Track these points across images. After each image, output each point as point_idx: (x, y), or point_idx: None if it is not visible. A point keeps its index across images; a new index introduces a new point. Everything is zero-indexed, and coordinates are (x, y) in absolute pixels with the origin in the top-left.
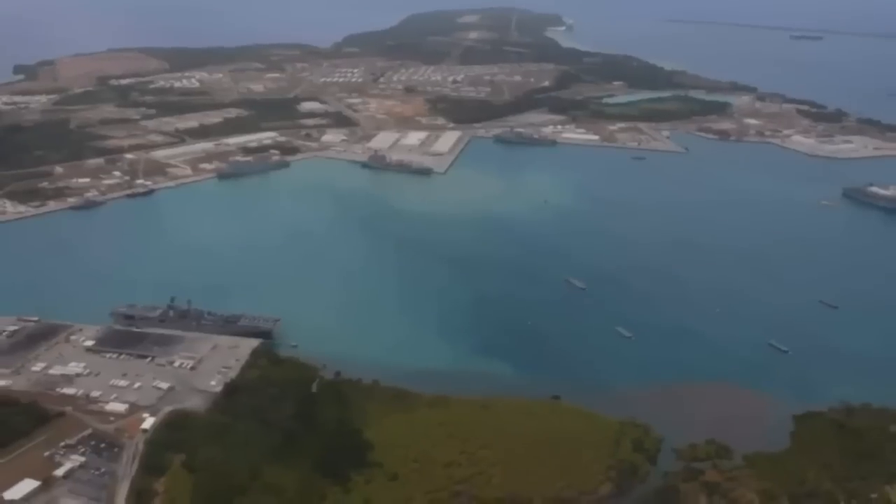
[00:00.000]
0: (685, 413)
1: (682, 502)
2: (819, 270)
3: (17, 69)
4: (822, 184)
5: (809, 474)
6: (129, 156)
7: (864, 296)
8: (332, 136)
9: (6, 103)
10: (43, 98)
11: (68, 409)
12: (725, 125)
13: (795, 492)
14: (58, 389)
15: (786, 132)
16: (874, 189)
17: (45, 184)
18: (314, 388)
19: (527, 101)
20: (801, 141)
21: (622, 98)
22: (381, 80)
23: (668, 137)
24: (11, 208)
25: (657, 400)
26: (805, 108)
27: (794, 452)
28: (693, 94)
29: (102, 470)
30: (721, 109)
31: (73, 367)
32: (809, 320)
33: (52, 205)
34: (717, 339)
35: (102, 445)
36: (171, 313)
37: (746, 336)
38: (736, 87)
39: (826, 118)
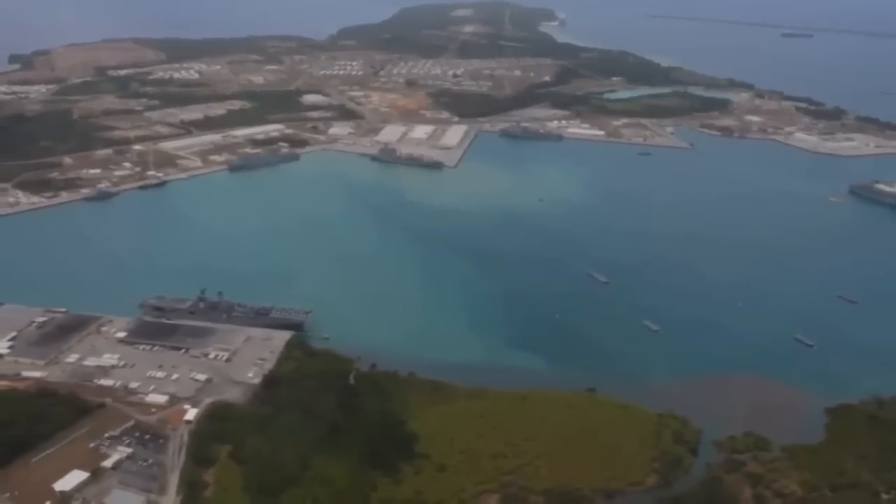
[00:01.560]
0: (717, 405)
1: (728, 493)
2: (833, 265)
3: (13, 58)
4: (827, 180)
5: (848, 466)
6: (137, 147)
7: (880, 291)
8: (339, 129)
9: (5, 93)
10: (42, 88)
11: (107, 400)
12: (727, 122)
13: (836, 483)
14: (95, 381)
15: (787, 129)
16: (880, 186)
17: (55, 174)
18: (351, 380)
19: (528, 96)
20: (804, 138)
21: (623, 94)
22: (382, 73)
23: (672, 133)
24: (24, 199)
25: (689, 392)
26: (804, 105)
27: (830, 444)
28: (692, 90)
29: (150, 461)
30: (721, 106)
31: (108, 359)
32: (830, 314)
33: (65, 196)
34: (742, 332)
35: (147, 437)
36: (202, 305)
37: (771, 330)
38: (733, 84)
39: (825, 116)
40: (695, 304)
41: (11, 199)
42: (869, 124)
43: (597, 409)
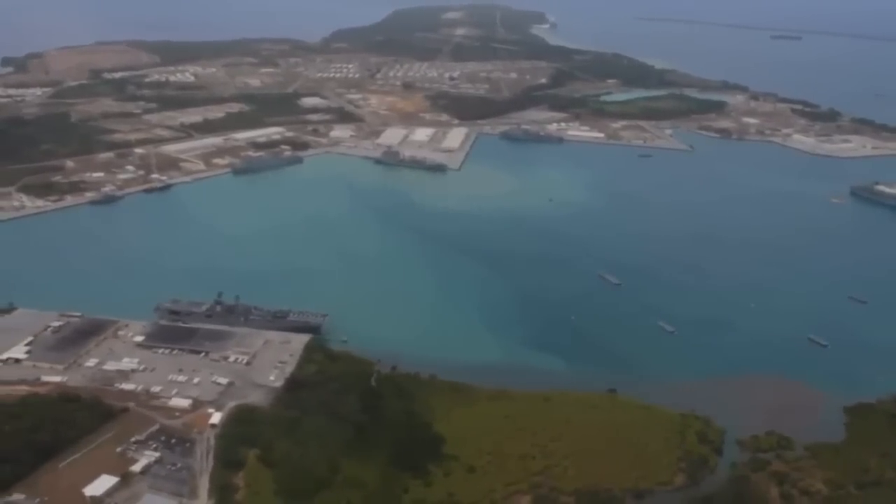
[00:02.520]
0: (736, 405)
1: (756, 492)
2: (840, 265)
3: (6, 61)
4: (826, 182)
5: (871, 464)
6: (138, 150)
7: (888, 291)
8: (340, 132)
9: (1, 96)
10: (38, 91)
11: (130, 404)
12: (725, 124)
13: (861, 481)
14: (116, 385)
15: (785, 131)
16: (881, 187)
17: (58, 178)
18: (373, 383)
19: (526, 99)
20: (802, 140)
21: (619, 96)
22: (378, 75)
23: (671, 136)
24: (29, 203)
25: (707, 392)
26: (799, 107)
27: (851, 443)
28: (686, 92)
29: (178, 465)
30: (718, 108)
31: (128, 363)
32: (842, 315)
33: (69, 199)
34: (755, 333)
35: (173, 441)
36: (219, 308)
37: (784, 330)
38: (727, 86)
39: (821, 117)
40: (707, 304)
41: (16, 203)
42: (864, 126)
43: (619, 409)
